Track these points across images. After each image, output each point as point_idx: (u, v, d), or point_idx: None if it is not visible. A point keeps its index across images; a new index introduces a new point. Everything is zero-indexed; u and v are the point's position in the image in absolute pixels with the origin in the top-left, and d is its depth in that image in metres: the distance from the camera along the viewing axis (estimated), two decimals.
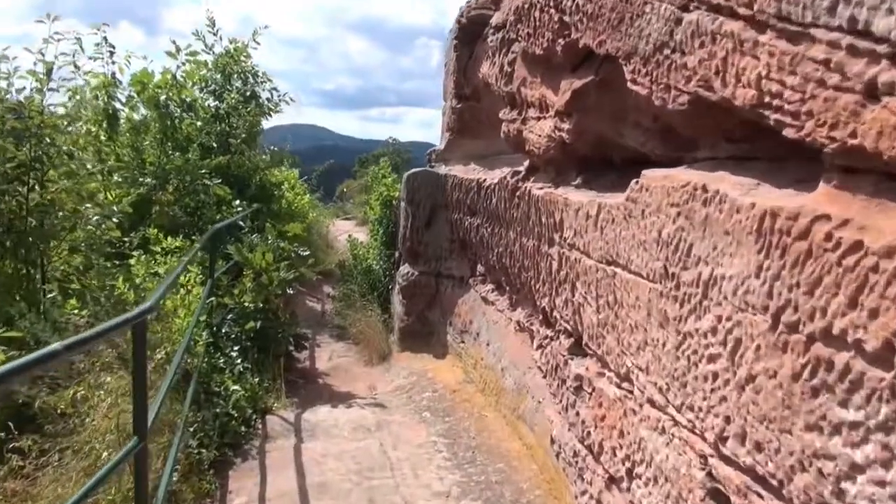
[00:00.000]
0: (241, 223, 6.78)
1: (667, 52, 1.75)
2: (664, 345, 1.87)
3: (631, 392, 2.20)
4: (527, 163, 3.97)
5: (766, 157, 1.66)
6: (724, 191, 1.51)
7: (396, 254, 6.92)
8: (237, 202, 7.27)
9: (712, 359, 1.59)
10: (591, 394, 2.63)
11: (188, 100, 6.89)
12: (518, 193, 3.78)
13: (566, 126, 2.92)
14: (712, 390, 1.60)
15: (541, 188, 3.43)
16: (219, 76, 8.78)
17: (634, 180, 2.04)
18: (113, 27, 6.95)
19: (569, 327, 2.98)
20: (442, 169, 6.46)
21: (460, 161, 6.32)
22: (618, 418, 2.30)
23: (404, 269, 6.14)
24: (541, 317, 3.57)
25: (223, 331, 4.93)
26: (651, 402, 2.00)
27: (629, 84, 2.04)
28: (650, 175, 1.93)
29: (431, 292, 5.98)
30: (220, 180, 7.33)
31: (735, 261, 1.46)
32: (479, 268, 5.26)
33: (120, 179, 6.46)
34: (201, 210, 6.97)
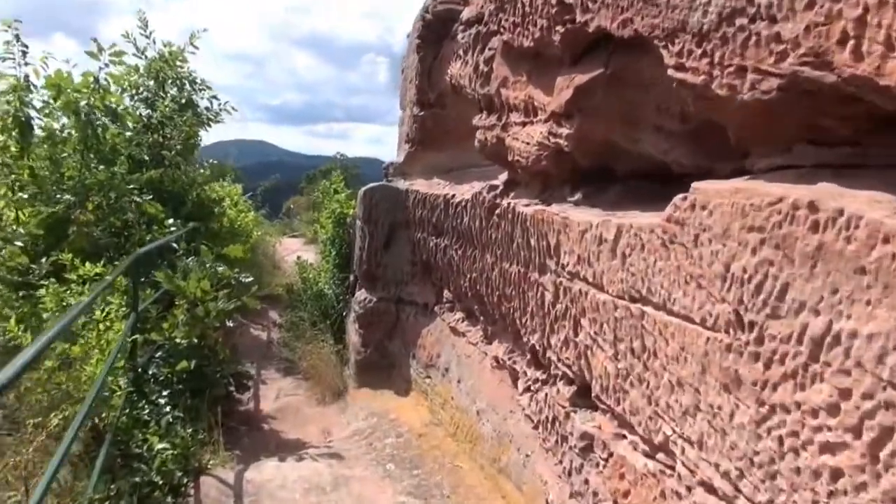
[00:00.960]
0: (174, 245, 6.12)
1: (742, 21, 1.31)
2: (732, 415, 1.42)
3: (671, 468, 1.74)
4: (504, 176, 3.53)
5: (882, 163, 1.23)
6: (854, 210, 1.06)
7: (351, 277, 6.38)
8: (170, 221, 6.59)
9: (831, 449, 1.14)
10: (605, 460, 2.16)
11: (113, 106, 6.19)
12: (498, 212, 3.32)
13: (564, 131, 2.47)
14: (831, 493, 1.14)
15: (527, 205, 2.98)
16: (151, 82, 8.11)
17: (680, 196, 1.60)
18: (46, 39, 6.27)
19: (570, 373, 2.52)
20: (402, 184, 5.98)
21: (422, 175, 5.85)
22: (650, 499, 1.83)
23: (361, 294, 5.60)
24: (528, 356, 3.10)
25: (150, 373, 4.29)
26: (709, 489, 1.54)
27: (672, 71, 1.60)
28: (708, 188, 1.48)
29: (392, 321, 5.45)
30: (151, 196, 6.66)
31: (880, 312, 1.01)
32: (447, 294, 4.78)
33: (27, 196, 5.73)
34: (129, 230, 6.28)
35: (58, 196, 5.97)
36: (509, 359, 3.49)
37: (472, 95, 3.69)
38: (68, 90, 5.76)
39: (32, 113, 6.15)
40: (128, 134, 7.43)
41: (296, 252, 15.58)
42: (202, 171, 8.19)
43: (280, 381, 5.97)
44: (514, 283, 3.16)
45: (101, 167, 6.03)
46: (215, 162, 8.79)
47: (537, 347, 2.91)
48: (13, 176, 5.94)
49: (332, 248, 6.71)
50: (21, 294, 4.61)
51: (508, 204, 3.16)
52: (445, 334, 4.71)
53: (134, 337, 3.95)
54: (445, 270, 4.55)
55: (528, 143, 2.85)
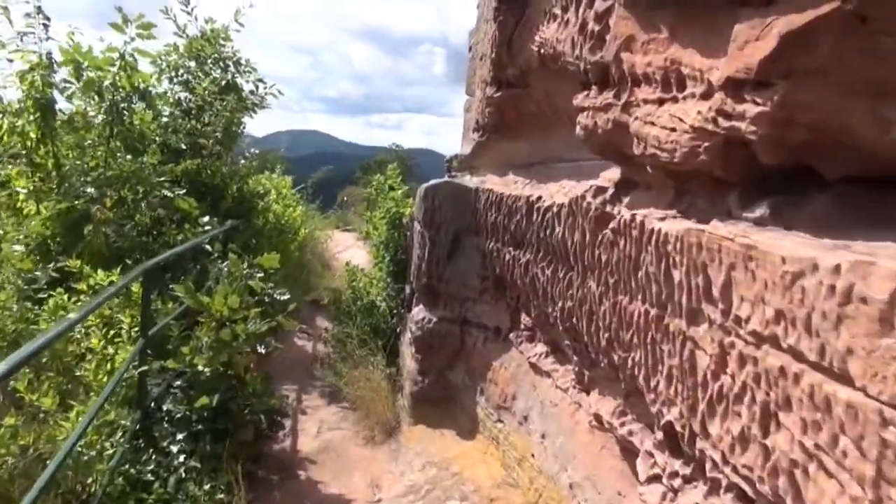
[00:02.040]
0: (207, 247, 5.49)
1: None
2: None
3: None
4: (613, 174, 2.70)
5: None
6: None
7: (407, 289, 5.62)
8: (206, 219, 5.96)
9: None
10: None
11: (142, 87, 5.58)
12: (613, 225, 2.48)
13: (750, 109, 1.61)
14: None
15: (663, 219, 2.12)
16: (192, 63, 7.55)
17: None
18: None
19: (750, 489, 1.66)
20: (470, 181, 5.18)
21: (494, 170, 5.03)
22: None
23: (419, 312, 4.82)
24: (658, 433, 2.25)
25: (164, 408, 3.62)
26: None
27: None
28: None
29: (455, 345, 4.66)
30: (185, 190, 6.05)
31: None
32: (526, 319, 3.96)
33: (49, 189, 5.18)
34: (159, 229, 5.68)
35: (81, 189, 5.40)
36: (620, 423, 2.65)
37: (573, 66, 2.85)
38: (88, 67, 5.16)
39: (56, 94, 5.61)
40: (164, 119, 6.86)
41: (348, 248, 15.01)
42: (244, 161, 7.55)
43: (323, 411, 5.27)
44: (636, 326, 2.31)
45: (129, 157, 5.42)
46: (257, 151, 8.13)
47: (677, 427, 2.05)
48: (34, 165, 5.42)
49: (385, 254, 5.96)
50: (23, 306, 4.02)
51: (632, 217, 2.31)
52: (524, 371, 3.88)
53: (142, 368, 3.26)
54: (526, 291, 3.72)
55: (672, 130, 1.99)
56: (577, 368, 3.25)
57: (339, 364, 5.49)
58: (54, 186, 5.55)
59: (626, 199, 2.57)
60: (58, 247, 4.96)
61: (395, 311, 5.87)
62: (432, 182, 4.61)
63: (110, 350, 3.42)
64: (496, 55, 4.05)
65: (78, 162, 5.59)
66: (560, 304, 3.16)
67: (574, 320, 3.02)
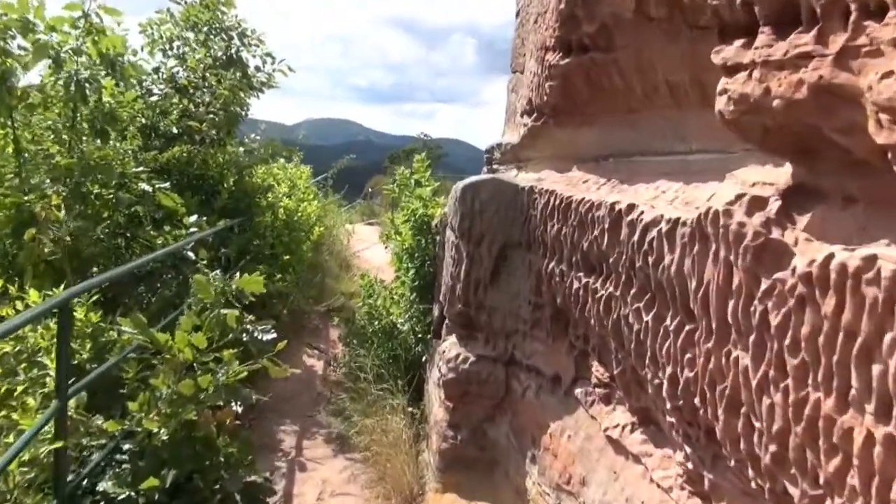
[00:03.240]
0: (189, 253, 4.58)
1: None
2: None
3: None
4: (781, 176, 1.72)
5: None
6: None
7: (436, 310, 4.65)
8: (193, 218, 5.06)
9: None
10: None
11: (112, 55, 4.66)
12: (801, 268, 1.46)
13: None
14: None
15: None
16: (190, 35, 6.65)
17: None
18: None
19: None
20: (518, 177, 4.18)
21: (551, 164, 4.03)
22: None
23: (451, 347, 3.85)
24: None
25: (99, 489, 2.70)
26: None
27: None
28: None
29: (498, 393, 3.69)
30: (170, 183, 5.15)
31: None
32: (599, 370, 2.97)
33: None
34: (133, 230, 4.79)
35: (40, 181, 4.52)
36: None
37: (710, 4, 1.84)
38: (42, 24, 4.25)
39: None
40: (153, 98, 5.97)
41: (371, 247, 14.08)
42: (245, 149, 6.63)
43: (327, 466, 4.34)
44: (855, 455, 1.30)
45: (92, 142, 4.52)
46: (258, 137, 7.19)
47: None
48: None
49: (409, 265, 4.99)
50: None
51: (851, 262, 1.30)
52: (597, 446, 2.89)
53: (56, 445, 2.34)
54: (602, 335, 2.74)
55: None
56: (688, 462, 2.24)
57: (349, 405, 4.54)
58: (12, 176, 4.68)
59: (802, 220, 1.58)
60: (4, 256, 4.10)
61: (419, 336, 4.90)
62: (472, 179, 3.63)
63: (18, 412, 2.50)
64: (566, 5, 3.03)
65: (39, 148, 4.71)
66: (670, 370, 2.16)
67: (696, 399, 2.02)
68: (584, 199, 2.88)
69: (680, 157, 2.79)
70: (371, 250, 13.80)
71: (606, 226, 2.61)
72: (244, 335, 2.99)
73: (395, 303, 5.28)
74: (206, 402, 2.90)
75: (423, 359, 4.80)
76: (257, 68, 6.81)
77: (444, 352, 3.88)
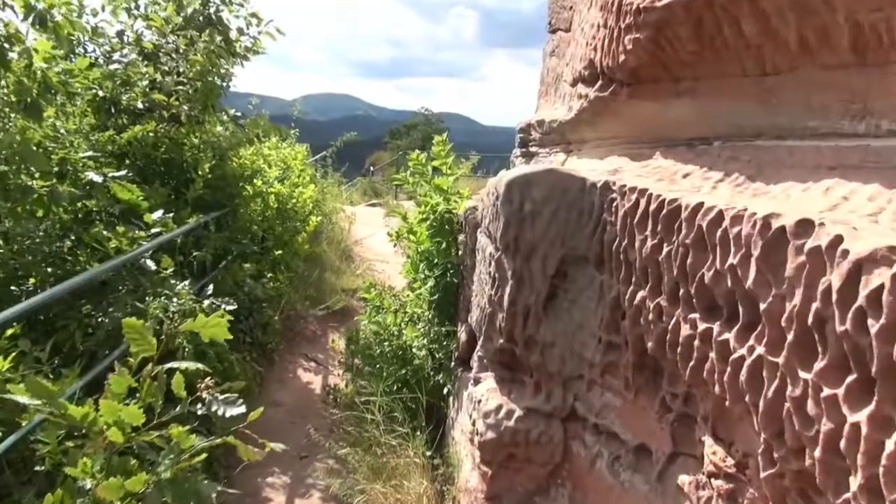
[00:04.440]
0: (148, 262, 3.71)
1: None
2: None
3: None
4: None
5: None
6: None
7: (462, 334, 3.76)
8: (158, 214, 4.16)
9: None
10: None
11: (43, 6, 3.71)
12: None
13: None
14: None
15: None
16: None
17: None
18: None
19: None
20: (566, 163, 3.27)
21: (618, 148, 3.15)
22: None
23: (490, 395, 2.98)
24: None
25: None
26: None
27: None
28: None
29: (553, 458, 2.82)
30: (132, 172, 4.26)
31: None
32: (716, 450, 2.10)
33: None
34: (81, 232, 3.90)
35: None
36: None
37: None
38: None
39: None
40: (113, 67, 5.06)
41: (374, 234, 13.17)
42: (227, 127, 5.72)
43: None
44: None
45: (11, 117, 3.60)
46: (236, 113, 6.23)
47: None
48: None
49: (427, 274, 4.08)
50: None
51: None
52: None
53: None
54: (728, 400, 1.86)
55: None
56: None
57: (350, 458, 3.67)
58: None
59: None
60: None
61: (439, 361, 4.02)
62: (520, 171, 2.71)
63: None
64: None
65: None
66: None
67: None
68: (701, 204, 1.98)
69: (856, 142, 1.90)
70: (375, 237, 12.90)
71: (757, 252, 1.71)
72: (199, 407, 2.12)
73: (410, 321, 4.37)
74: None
75: (445, 390, 3.94)
76: (240, 31, 5.89)
77: (479, 401, 3.00)
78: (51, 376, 2.97)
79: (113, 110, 5.00)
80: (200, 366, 2.27)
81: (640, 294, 2.32)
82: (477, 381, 3.22)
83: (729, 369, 1.85)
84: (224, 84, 5.85)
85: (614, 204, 2.47)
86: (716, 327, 1.92)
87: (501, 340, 2.87)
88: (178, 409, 2.04)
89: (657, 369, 2.40)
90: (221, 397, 2.08)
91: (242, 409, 2.08)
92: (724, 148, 2.42)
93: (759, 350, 1.74)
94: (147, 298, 3.50)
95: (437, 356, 3.97)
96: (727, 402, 1.89)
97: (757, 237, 1.72)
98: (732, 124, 2.42)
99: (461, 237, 4.11)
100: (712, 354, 1.95)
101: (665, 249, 2.14)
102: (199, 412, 2.07)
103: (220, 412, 2.03)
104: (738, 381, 1.82)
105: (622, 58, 2.63)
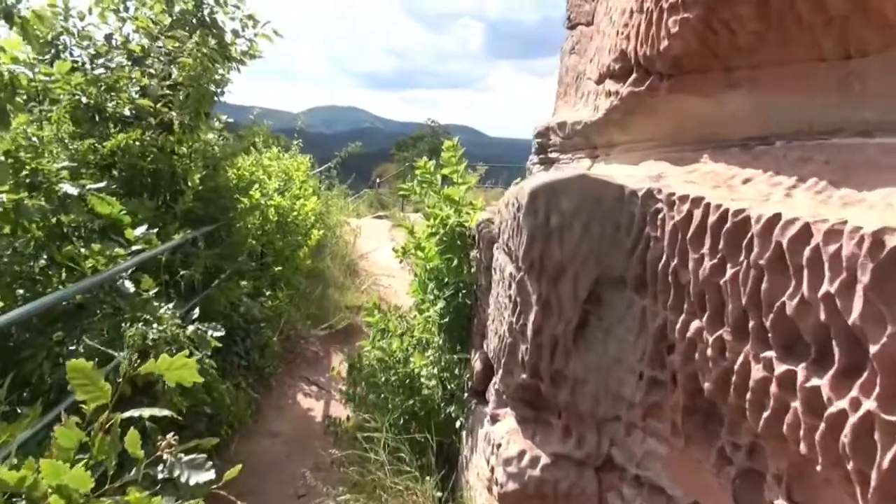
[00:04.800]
0: (126, 283, 3.36)
1: None
2: None
3: None
4: None
5: None
6: None
7: (477, 362, 3.38)
8: (141, 230, 3.82)
9: None
10: None
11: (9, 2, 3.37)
12: None
13: None
14: None
15: None
16: None
17: None
18: None
19: None
20: (619, 173, 2.88)
21: (654, 151, 2.77)
22: None
23: (511, 438, 2.60)
24: None
25: None
26: None
27: None
28: None
29: None
30: (104, 184, 3.92)
31: None
32: None
33: None
34: (54, 249, 3.55)
35: None
36: None
37: None
38: None
39: None
40: (98, 72, 4.75)
41: (380, 248, 12.80)
42: (217, 136, 5.38)
43: None
44: None
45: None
46: (228, 119, 5.88)
47: None
48: None
49: (437, 294, 3.70)
50: None
51: None
52: None
53: None
54: (814, 461, 1.48)
55: None
56: None
57: (356, 485, 3.28)
58: None
59: None
60: None
61: (452, 393, 3.63)
62: (546, 178, 2.34)
63: None
64: None
65: None
66: None
67: None
68: (779, 216, 1.61)
69: None
70: (381, 251, 12.53)
71: (866, 279, 1.33)
72: (161, 469, 1.75)
73: (418, 347, 3.99)
74: None
75: (458, 424, 3.55)
76: (235, 33, 5.56)
77: (499, 445, 2.62)
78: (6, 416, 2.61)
79: (97, 118, 4.68)
80: (166, 412, 1.90)
81: (695, 324, 1.94)
82: (494, 419, 2.83)
83: (823, 426, 1.46)
84: (219, 91, 5.53)
85: (660, 215, 2.09)
86: (800, 371, 1.54)
87: (524, 375, 2.49)
88: (132, 472, 1.68)
89: (713, 414, 2.02)
90: (186, 459, 1.72)
91: (210, 474, 1.71)
92: (791, 148, 2.04)
93: (869, 405, 1.35)
94: (123, 325, 3.15)
95: (448, 386, 3.59)
96: (819, 466, 1.51)
97: (865, 259, 1.34)
98: (799, 120, 2.04)
99: (473, 253, 3.74)
100: (795, 404, 1.57)
101: (729, 271, 1.77)
102: (160, 476, 1.70)
103: (183, 478, 1.67)
104: (836, 442, 1.43)
105: (664, 44, 2.27)
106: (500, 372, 2.70)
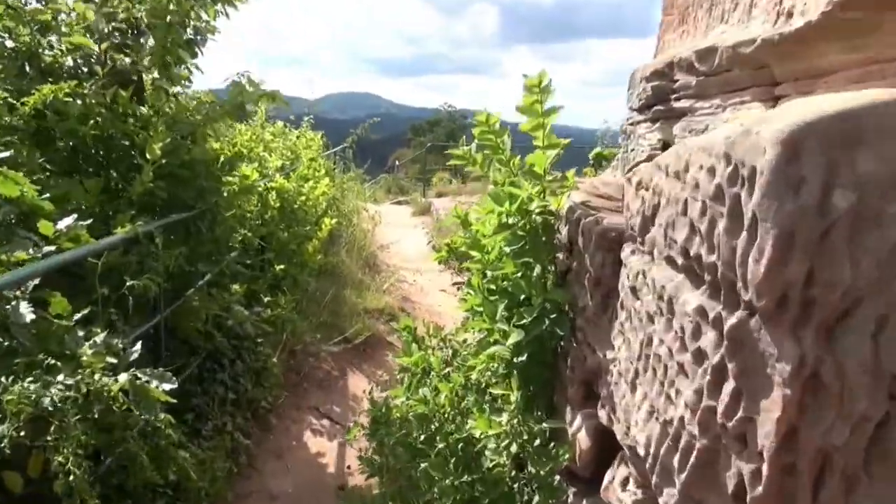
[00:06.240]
0: (20, 306, 2.16)
1: None
2: None
3: None
4: None
5: None
6: None
7: (580, 431, 2.13)
8: (67, 221, 2.63)
9: None
10: None
11: None
12: None
13: None
14: None
15: None
16: None
17: None
18: None
19: None
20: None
21: None
22: None
23: None
24: None
25: None
26: None
27: None
28: None
29: None
30: (5, 153, 2.73)
31: None
32: None
33: None
34: None
35: None
36: None
37: None
38: None
39: None
40: (32, 7, 3.58)
41: (403, 237, 11.57)
42: (188, 93, 4.18)
43: None
44: None
45: None
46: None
47: None
48: None
49: (508, 326, 2.41)
50: None
51: None
52: None
53: None
54: None
55: None
56: None
57: None
58: None
59: None
60: None
61: (535, 473, 2.39)
62: (824, 109, 1.07)
63: None
64: None
65: None
66: None
67: None
68: None
69: None
70: (404, 240, 11.31)
71: None
72: None
73: (477, 395, 2.70)
74: None
75: None
76: None
77: None
78: None
79: (28, 68, 3.51)
80: None
81: None
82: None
83: None
84: (199, 38, 4.32)
85: None
86: None
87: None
88: None
89: None
90: None
91: None
92: None
93: None
94: (1, 379, 1.97)
95: (526, 464, 2.34)
96: None
97: None
98: None
99: (559, 255, 2.49)
100: None
101: None
102: None
103: None
104: None
105: None
106: (658, 480, 1.46)
